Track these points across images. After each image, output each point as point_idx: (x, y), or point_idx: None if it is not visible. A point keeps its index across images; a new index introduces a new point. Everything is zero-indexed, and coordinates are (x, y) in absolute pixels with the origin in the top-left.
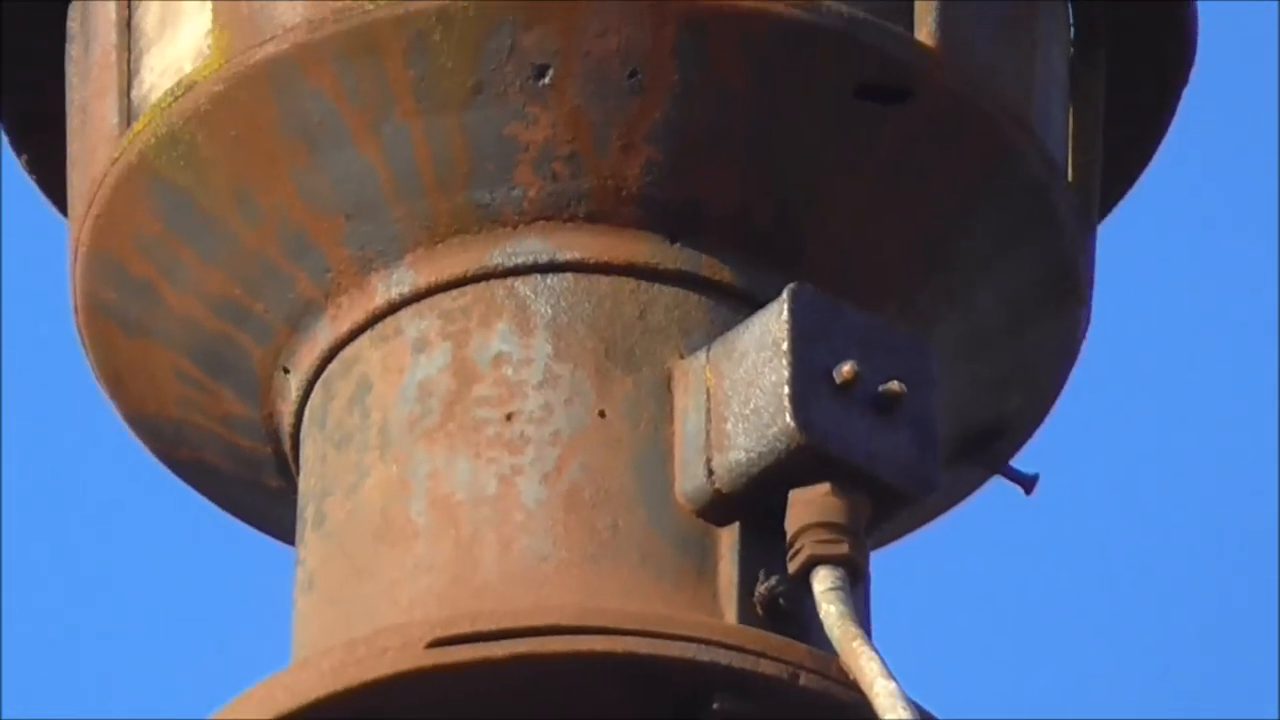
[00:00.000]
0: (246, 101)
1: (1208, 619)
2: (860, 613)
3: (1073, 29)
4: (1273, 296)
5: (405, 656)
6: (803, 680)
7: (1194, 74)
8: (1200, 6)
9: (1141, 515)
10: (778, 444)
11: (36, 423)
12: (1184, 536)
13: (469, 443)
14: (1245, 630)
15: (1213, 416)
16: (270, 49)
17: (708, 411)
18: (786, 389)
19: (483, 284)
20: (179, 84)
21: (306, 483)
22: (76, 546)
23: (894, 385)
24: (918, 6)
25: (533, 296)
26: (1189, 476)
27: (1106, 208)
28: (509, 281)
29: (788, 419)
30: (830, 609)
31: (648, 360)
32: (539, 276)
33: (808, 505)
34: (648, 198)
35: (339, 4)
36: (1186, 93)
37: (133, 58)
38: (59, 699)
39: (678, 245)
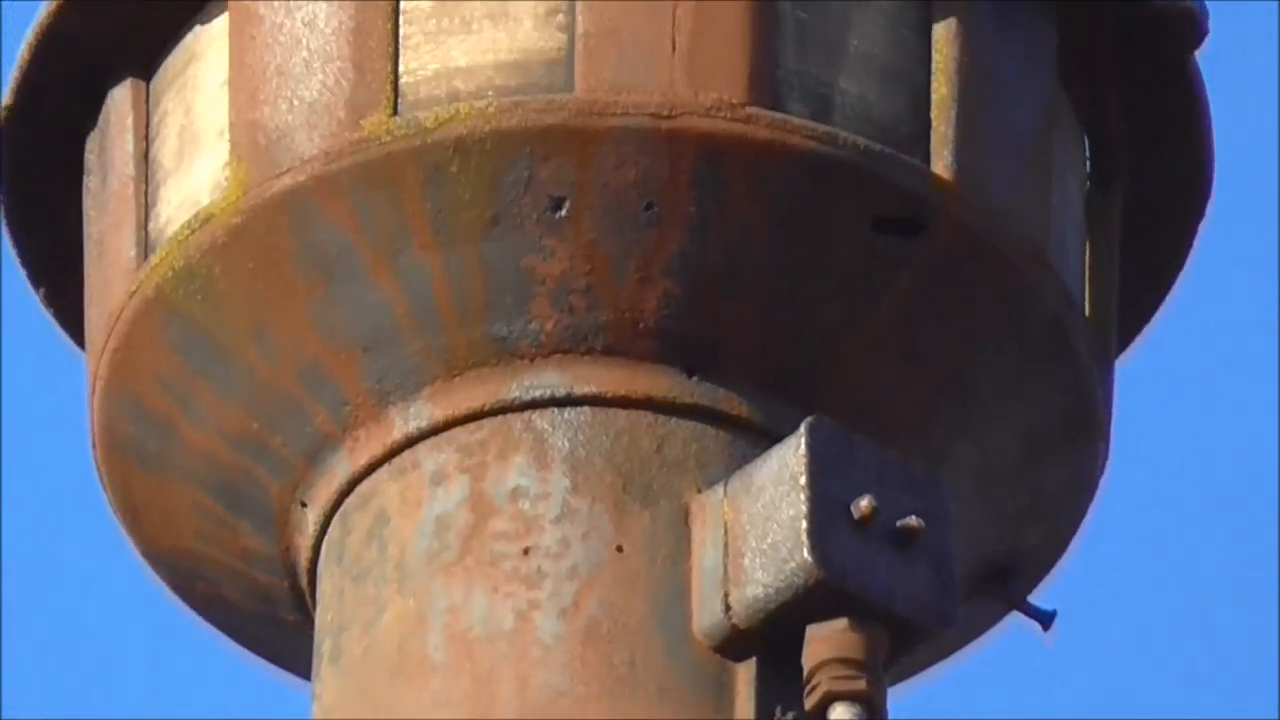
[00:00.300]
0: (264, 234)
1: None
2: None
3: (1089, 164)
4: None
5: None
6: None
7: (1210, 208)
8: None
9: (1161, 651)
10: (795, 579)
11: (52, 557)
12: (1203, 671)
13: (486, 577)
14: None
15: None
16: (287, 181)
17: (725, 546)
18: (804, 524)
19: (500, 417)
20: (196, 216)
21: (323, 617)
22: (91, 682)
23: (912, 521)
24: (934, 140)
25: (550, 430)
26: (1208, 613)
27: (1125, 341)
28: (526, 415)
29: (805, 554)
30: None
31: (665, 494)
32: (556, 410)
33: (825, 641)
34: (665, 331)
35: (356, 136)
36: (1203, 226)
37: (150, 190)
38: None
39: (695, 379)
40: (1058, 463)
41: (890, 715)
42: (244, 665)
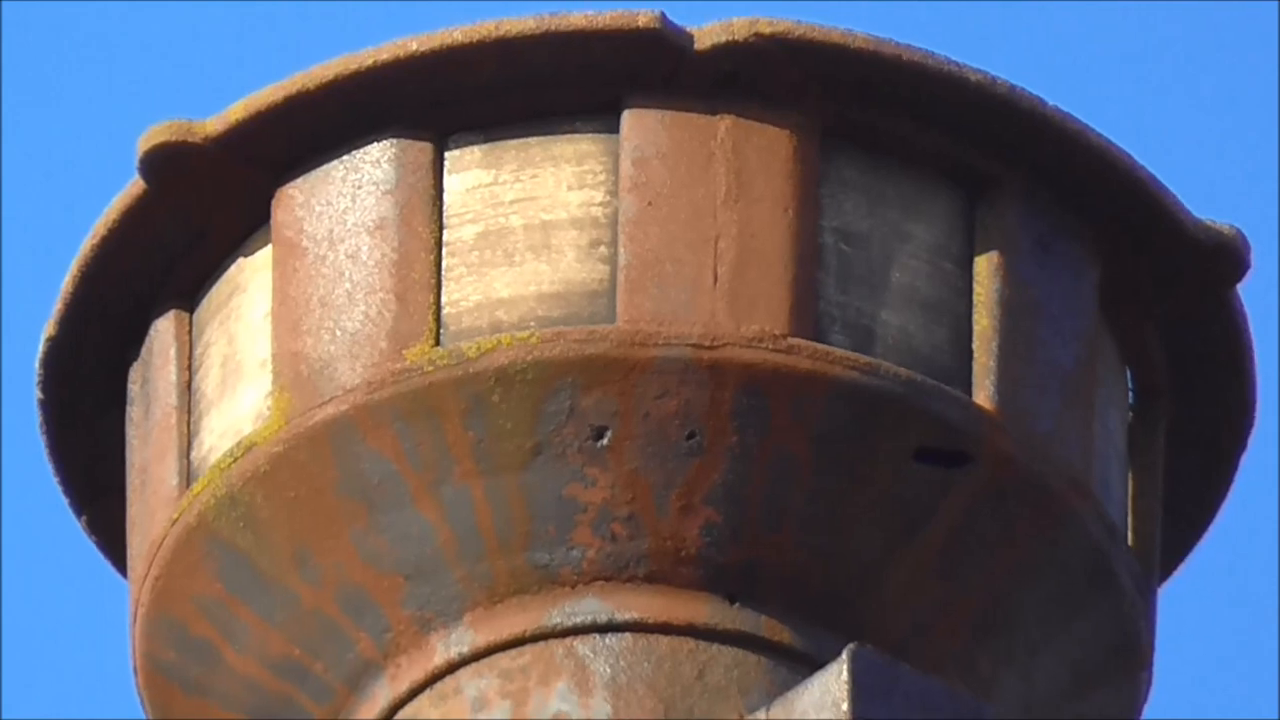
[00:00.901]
0: (306, 462)
1: None
2: None
3: (1131, 393)
4: None
5: None
6: None
7: (1253, 438)
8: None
9: None
10: None
11: None
12: None
13: None
14: None
15: None
16: (330, 410)
17: None
18: None
19: (542, 644)
20: (239, 445)
21: None
22: None
23: None
24: (976, 371)
25: (592, 656)
26: None
27: (1169, 567)
28: (568, 641)
29: None
30: None
31: None
32: (598, 636)
33: None
34: (706, 559)
35: (398, 366)
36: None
37: (193, 419)
38: None
39: (736, 606)
40: (1103, 690)
41: None
42: None
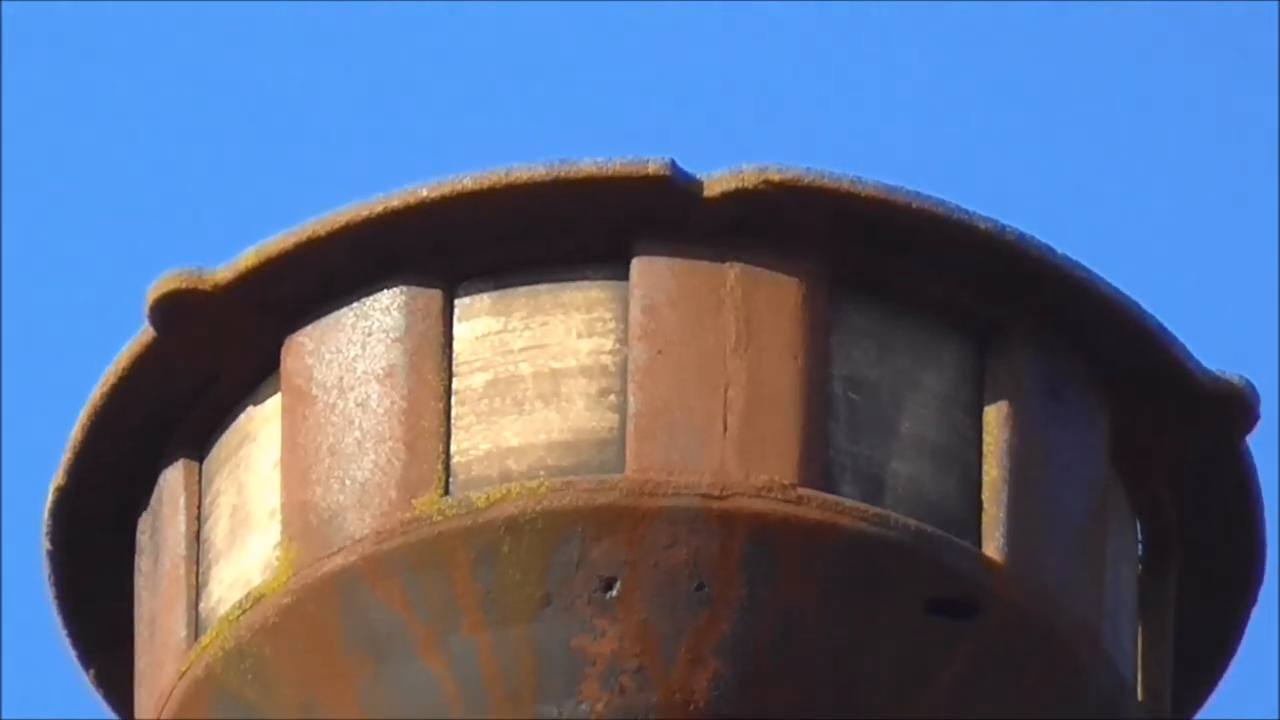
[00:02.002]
0: (314, 614)
1: None
2: None
3: (1142, 545)
4: None
5: None
6: None
7: (1263, 591)
8: None
9: None
10: None
11: None
12: None
13: None
14: None
15: None
16: (338, 561)
17: None
18: None
19: None
20: (247, 596)
21: None
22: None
23: None
24: (986, 522)
25: None
26: None
27: (1181, 716)
28: None
29: None
30: None
31: None
32: None
33: None
34: (715, 711)
35: (407, 516)
36: (1255, 610)
37: (202, 570)
38: None
39: None
40: None
41: None
42: None
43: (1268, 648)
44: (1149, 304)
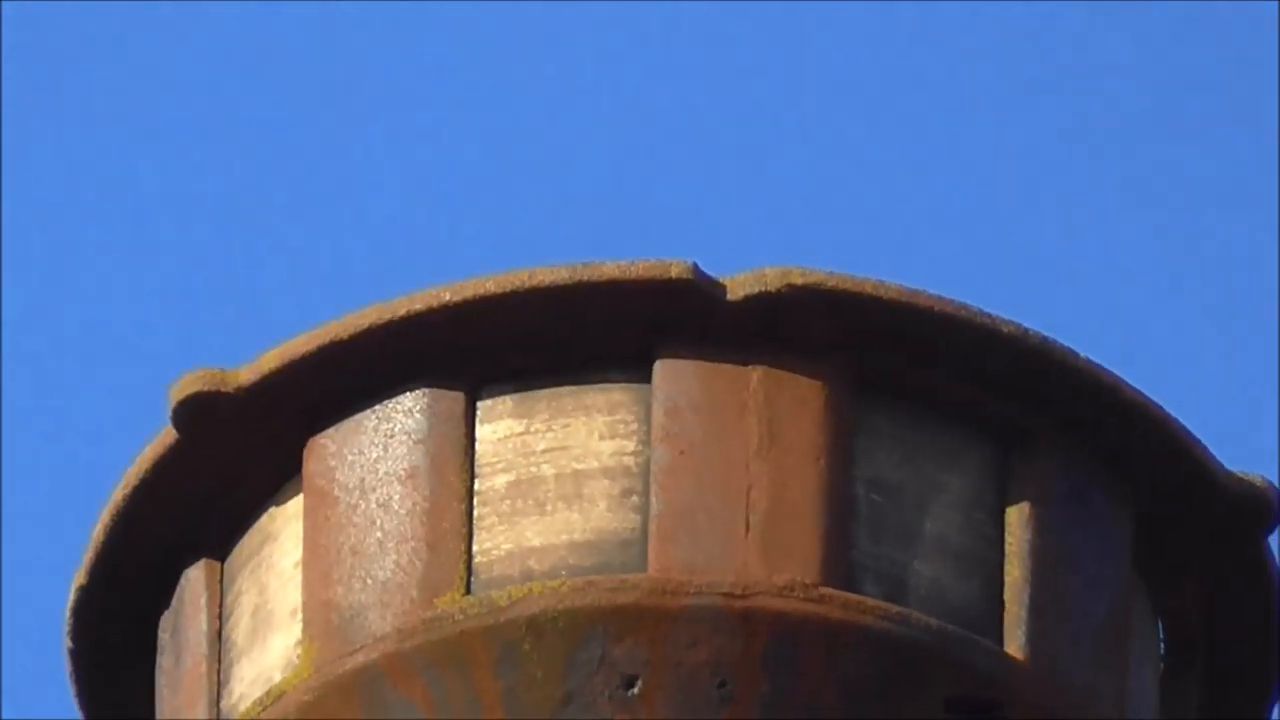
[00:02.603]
0: (336, 710)
1: None
2: None
3: (1164, 644)
4: None
5: None
6: None
7: None
8: None
9: None
10: None
11: None
12: None
13: None
14: None
15: None
16: (360, 659)
17: None
18: None
19: None
20: (268, 694)
21: None
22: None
23: None
24: (1007, 622)
25: None
26: None
27: None
28: None
29: None
30: None
31: None
32: None
33: None
34: None
35: (429, 615)
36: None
37: (223, 668)
38: None
39: None
40: None
41: None
42: None
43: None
44: (1168, 401)
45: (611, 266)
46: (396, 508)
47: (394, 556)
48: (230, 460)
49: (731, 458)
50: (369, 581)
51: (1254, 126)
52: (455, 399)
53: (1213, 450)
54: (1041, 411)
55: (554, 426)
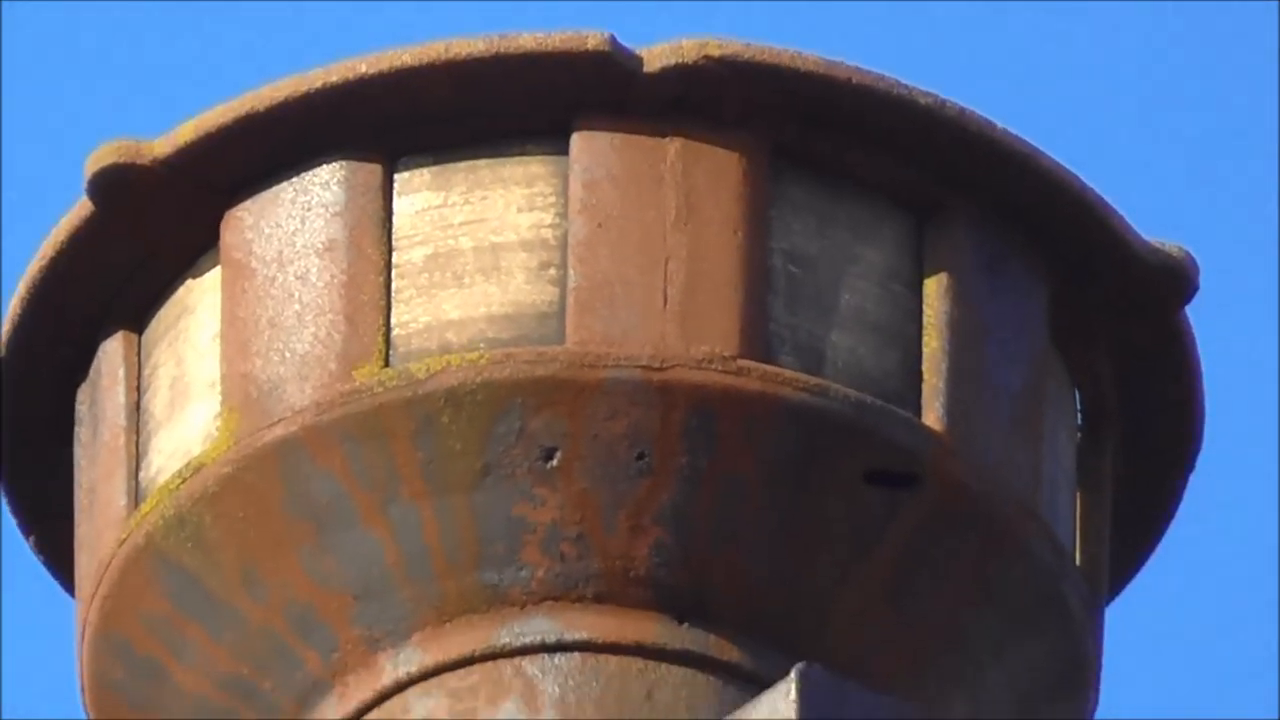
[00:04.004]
0: (254, 483)
1: None
2: None
3: (1080, 415)
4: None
5: None
6: None
7: (1200, 459)
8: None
9: None
10: None
11: None
12: None
13: None
14: None
15: None
16: (279, 431)
17: None
18: None
19: (490, 663)
20: (187, 466)
21: None
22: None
23: None
24: (926, 393)
25: (540, 676)
26: None
27: (1116, 585)
28: (516, 661)
29: None
30: None
31: None
32: (546, 656)
33: None
34: (655, 579)
35: (347, 387)
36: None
37: (141, 440)
38: None
39: (685, 626)
40: (1050, 710)
41: None
42: None
43: (1267, 648)
44: (1088, 173)
45: (528, 38)
46: (314, 280)
47: (312, 329)
48: (147, 233)
49: (649, 230)
50: (287, 354)
51: None
52: (372, 171)
53: (1132, 223)
54: (958, 183)
55: (471, 199)
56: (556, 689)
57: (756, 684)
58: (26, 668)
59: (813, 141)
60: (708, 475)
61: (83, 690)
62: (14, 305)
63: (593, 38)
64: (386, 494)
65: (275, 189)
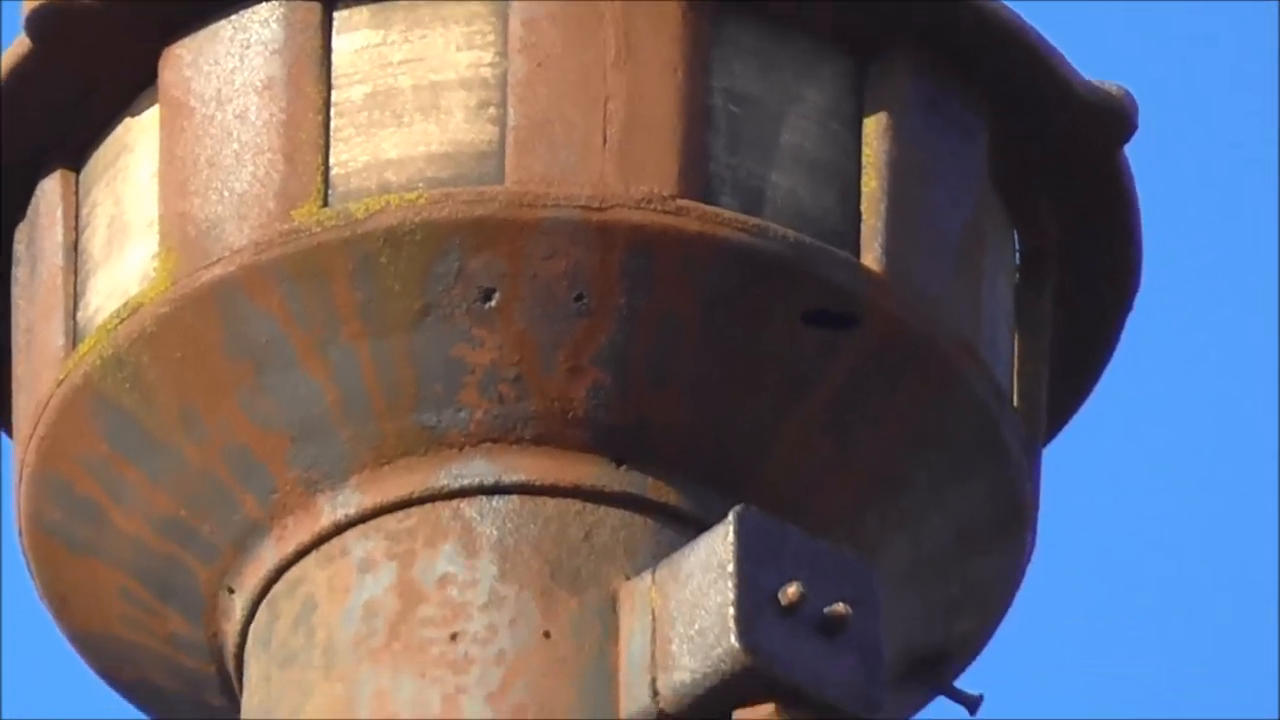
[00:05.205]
0: (192, 323)
1: None
2: None
3: (1019, 256)
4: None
5: None
6: None
7: (1138, 300)
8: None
9: None
10: (723, 665)
11: None
12: None
13: (414, 662)
14: None
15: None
16: (217, 271)
17: (653, 632)
18: (732, 610)
19: (429, 505)
20: (125, 306)
21: (250, 701)
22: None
23: (839, 607)
24: (864, 233)
25: (478, 518)
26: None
27: (1054, 427)
28: (455, 503)
29: (733, 640)
30: None
31: (593, 581)
32: (485, 498)
33: None
34: (594, 420)
35: (286, 227)
36: (1131, 318)
37: (79, 280)
38: None
39: (624, 468)
40: (987, 552)
41: None
42: None
43: (1266, 647)
44: (1029, 13)
45: None
46: (253, 119)
47: (250, 169)
48: (85, 70)
49: (589, 69)
50: (226, 194)
51: None
52: (311, 9)
53: (1073, 62)
54: (899, 24)
55: (410, 38)
56: (495, 531)
57: (695, 526)
58: (27, 668)
59: None
60: (646, 316)
61: (20, 532)
62: None
63: None
64: (325, 335)
65: (214, 26)
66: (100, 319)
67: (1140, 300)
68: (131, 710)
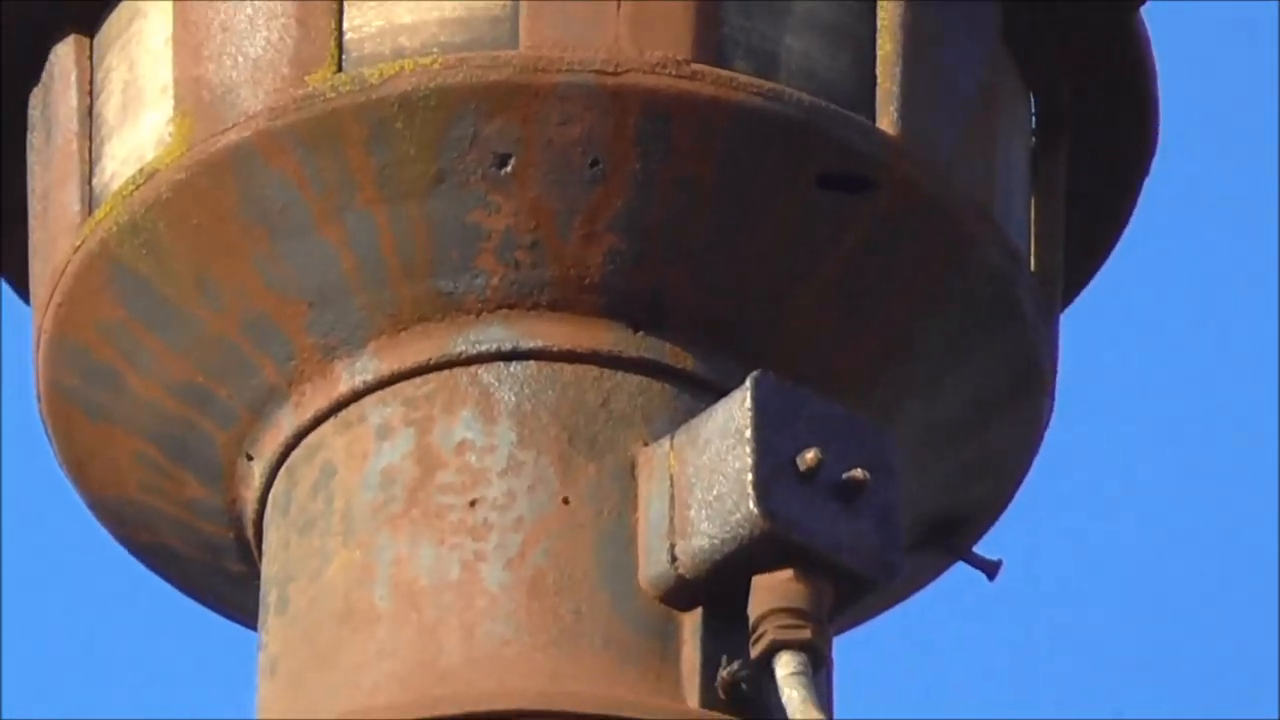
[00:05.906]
0: (208, 189)
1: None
2: (823, 697)
3: (1034, 121)
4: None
5: None
6: None
7: (1155, 163)
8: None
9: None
10: (741, 530)
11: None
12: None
13: (432, 528)
14: None
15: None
16: (232, 136)
17: (671, 498)
18: (750, 476)
19: (446, 372)
20: (140, 172)
21: (269, 568)
22: (35, 628)
23: (857, 473)
24: (879, 97)
25: (496, 384)
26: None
27: (1070, 294)
28: (472, 369)
29: (751, 505)
30: (793, 693)
31: (611, 448)
32: (502, 364)
33: (770, 591)
34: (610, 286)
35: (301, 92)
36: (1148, 183)
37: (94, 146)
38: None
39: (640, 333)
40: (1004, 417)
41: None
42: (191, 612)
43: (1266, 648)
44: None
45: None
46: None
47: (264, 33)
48: None
49: None
50: (240, 59)
51: None
52: None
53: None
54: None
55: None
56: (512, 397)
57: (712, 392)
58: (27, 668)
59: None
60: (661, 180)
61: (38, 398)
62: None
63: None
64: (341, 200)
65: None
66: (116, 185)
67: (1156, 162)
68: (138, 705)
